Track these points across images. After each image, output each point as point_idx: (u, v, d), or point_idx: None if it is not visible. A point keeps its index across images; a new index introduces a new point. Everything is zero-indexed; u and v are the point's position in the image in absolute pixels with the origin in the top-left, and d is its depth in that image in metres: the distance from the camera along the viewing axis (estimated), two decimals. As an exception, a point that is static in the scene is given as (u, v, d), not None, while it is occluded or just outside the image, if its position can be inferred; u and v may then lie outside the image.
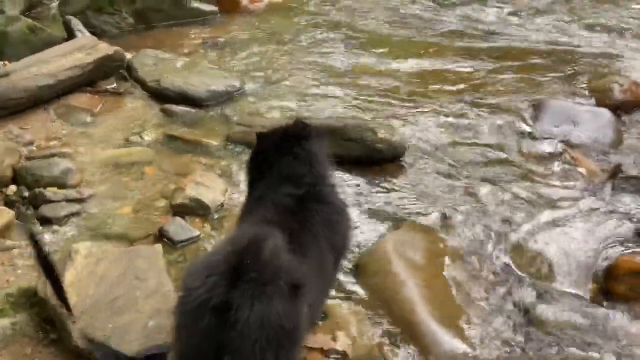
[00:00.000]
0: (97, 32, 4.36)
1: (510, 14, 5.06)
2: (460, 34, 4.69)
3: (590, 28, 4.77)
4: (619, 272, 2.50)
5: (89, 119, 3.51)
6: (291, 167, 1.95)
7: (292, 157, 1.97)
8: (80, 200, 2.90)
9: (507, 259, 2.63)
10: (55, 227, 2.75)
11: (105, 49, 3.84)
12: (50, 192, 2.90)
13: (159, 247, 2.43)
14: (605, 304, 2.47)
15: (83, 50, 3.80)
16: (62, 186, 2.97)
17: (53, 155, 3.16)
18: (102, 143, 3.32)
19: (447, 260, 2.60)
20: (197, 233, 2.71)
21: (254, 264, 1.56)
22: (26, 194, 2.93)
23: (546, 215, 2.84)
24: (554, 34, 4.69)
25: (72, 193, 2.93)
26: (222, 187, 2.99)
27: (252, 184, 2.08)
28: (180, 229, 2.71)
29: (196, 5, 4.83)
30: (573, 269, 2.58)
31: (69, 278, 2.18)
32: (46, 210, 2.82)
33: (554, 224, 2.79)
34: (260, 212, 1.91)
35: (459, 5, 5.16)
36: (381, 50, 4.40)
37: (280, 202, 1.90)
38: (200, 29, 4.70)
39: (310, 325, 1.89)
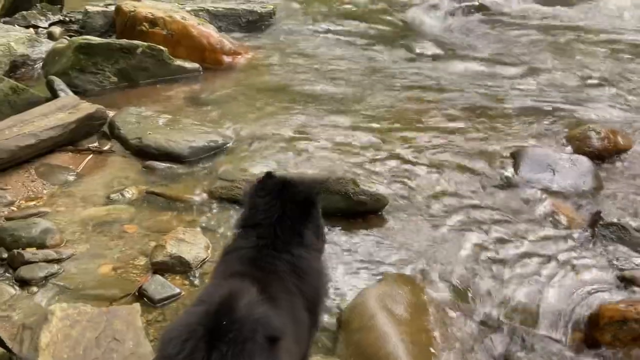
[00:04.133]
0: (80, 91, 4.40)
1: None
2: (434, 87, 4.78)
3: (558, 77, 4.89)
4: (602, 320, 2.48)
5: (70, 178, 3.51)
6: (250, 218, 1.96)
7: (252, 208, 1.98)
8: (59, 260, 2.86)
9: (489, 309, 2.61)
10: (33, 289, 2.71)
11: (87, 107, 3.87)
12: (29, 253, 2.86)
13: (136, 306, 2.39)
14: (588, 352, 2.45)
15: (65, 109, 3.82)
16: (41, 246, 2.93)
17: (33, 215, 3.14)
18: (83, 201, 3.31)
19: (431, 312, 2.57)
20: (178, 290, 2.68)
21: (230, 322, 1.54)
22: (4, 255, 2.90)
23: (528, 264, 2.84)
24: (522, 84, 4.80)
25: (51, 253, 2.89)
26: (204, 243, 2.97)
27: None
28: (159, 287, 2.68)
29: (179, 63, 4.90)
30: (556, 318, 2.57)
31: (43, 340, 2.14)
32: (24, 272, 2.78)
33: (536, 272, 2.78)
34: (228, 264, 1.90)
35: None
36: (359, 106, 4.45)
37: (245, 254, 1.90)
38: (183, 86, 4.75)
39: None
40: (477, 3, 6.58)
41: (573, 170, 3.49)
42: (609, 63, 5.15)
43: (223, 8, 5.91)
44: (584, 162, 3.54)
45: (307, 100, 4.49)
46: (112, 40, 4.91)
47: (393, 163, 3.67)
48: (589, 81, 4.84)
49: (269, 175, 2.06)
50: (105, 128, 3.96)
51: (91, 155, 3.73)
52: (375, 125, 4.14)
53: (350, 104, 4.45)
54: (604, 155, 3.66)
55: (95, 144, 3.86)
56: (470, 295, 2.68)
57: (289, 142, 3.90)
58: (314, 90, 4.64)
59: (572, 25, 6.07)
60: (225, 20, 5.84)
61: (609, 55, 5.31)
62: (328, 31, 5.90)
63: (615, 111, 4.34)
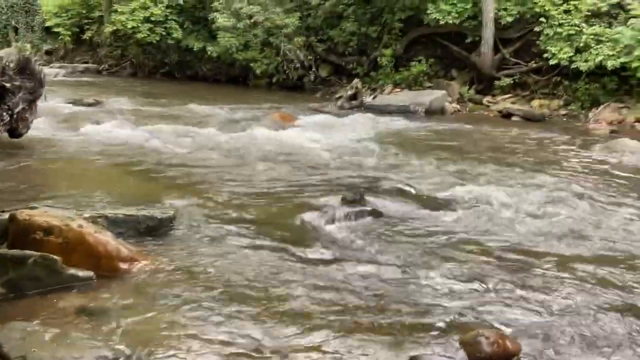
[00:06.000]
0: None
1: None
2: (329, 290, 4.89)
3: (448, 281, 5.13)
4: None
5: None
6: None
7: None
8: None
9: None
10: None
11: (-34, 324, 3.65)
12: None
13: None
14: None
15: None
16: None
17: None
18: None
19: None
20: None
21: None
22: None
23: None
24: (413, 286, 4.98)
25: None
26: None
27: None
28: None
29: (72, 271, 4.78)
30: None
31: None
32: None
33: None
34: None
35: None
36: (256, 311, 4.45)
37: None
38: (75, 296, 4.60)
39: None
40: (369, 208, 6.99)
41: (467, 378, 3.56)
42: (496, 268, 5.47)
43: (122, 214, 5.95)
44: (476, 369, 3.65)
45: (207, 310, 4.43)
46: (3, 250, 4.78)
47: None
48: (482, 284, 5.10)
49: None
50: (-14, 347, 3.71)
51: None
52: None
53: (248, 309, 4.45)
54: (495, 361, 3.78)
55: (-28, 366, 3.59)
56: None
57: (187, 354, 3.78)
58: (213, 300, 4.62)
59: (459, 231, 6.49)
60: (125, 226, 5.85)
61: (496, 261, 5.66)
62: (229, 236, 6.01)
63: (505, 314, 4.56)
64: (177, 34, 20.81)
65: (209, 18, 19.46)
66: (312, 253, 5.70)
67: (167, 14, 21.01)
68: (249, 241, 5.93)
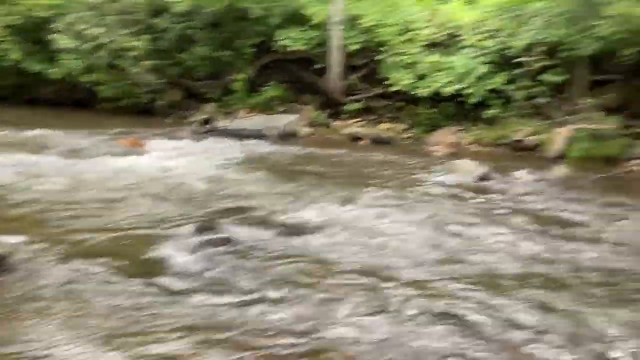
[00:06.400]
0: None
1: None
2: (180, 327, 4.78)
3: (301, 307, 5.20)
4: None
5: None
6: None
7: None
8: None
9: None
10: None
11: None
12: None
13: None
14: None
15: None
16: None
17: None
18: None
19: None
20: None
21: None
22: None
23: None
24: (268, 314, 4.97)
25: None
26: None
27: None
28: None
29: None
30: None
31: None
32: None
33: None
34: None
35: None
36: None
37: None
38: None
39: None
40: (223, 236, 6.94)
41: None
42: (345, 291, 5.62)
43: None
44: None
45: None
46: None
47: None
48: (329, 307, 5.22)
49: None
50: None
51: None
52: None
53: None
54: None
55: None
56: None
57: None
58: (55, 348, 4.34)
59: (311, 256, 6.59)
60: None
61: (345, 283, 5.81)
62: (74, 274, 5.68)
63: (352, 335, 4.71)
64: (15, 55, 19.44)
65: (49, 39, 18.37)
66: (163, 286, 5.57)
67: (5, 34, 19.60)
68: (97, 278, 5.66)
